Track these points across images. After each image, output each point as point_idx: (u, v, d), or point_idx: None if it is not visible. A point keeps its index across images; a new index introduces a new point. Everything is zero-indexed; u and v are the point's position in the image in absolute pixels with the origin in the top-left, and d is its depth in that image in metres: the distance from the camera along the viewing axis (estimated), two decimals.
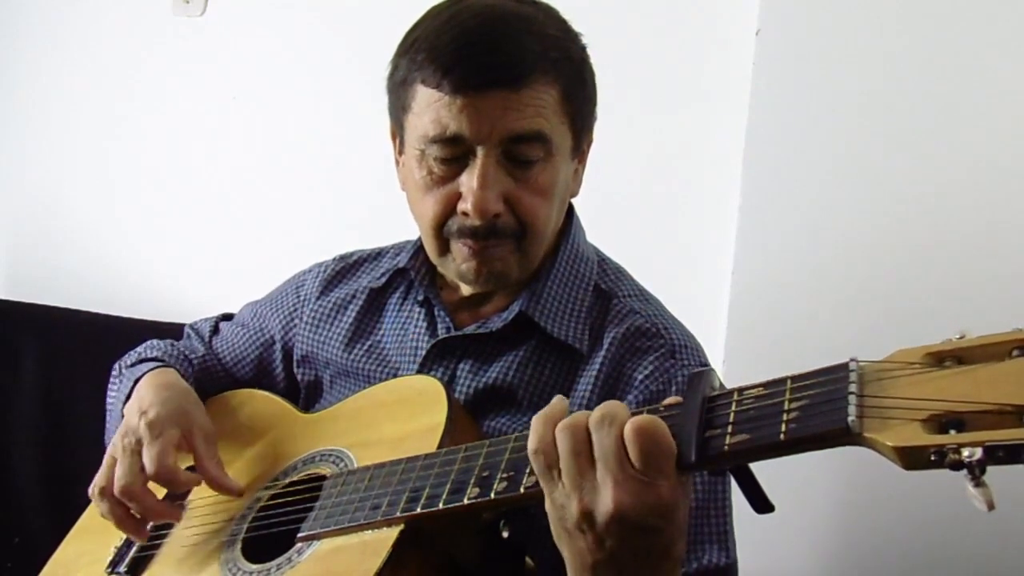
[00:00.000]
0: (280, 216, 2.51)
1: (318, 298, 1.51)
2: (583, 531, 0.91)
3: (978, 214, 1.78)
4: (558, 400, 0.98)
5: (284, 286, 1.59)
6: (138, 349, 1.58)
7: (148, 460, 1.27)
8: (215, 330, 1.62)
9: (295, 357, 1.52)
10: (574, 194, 1.38)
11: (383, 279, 1.47)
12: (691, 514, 1.18)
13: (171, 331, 1.69)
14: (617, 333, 1.30)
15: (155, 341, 1.60)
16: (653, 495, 0.88)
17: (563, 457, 0.91)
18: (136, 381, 1.44)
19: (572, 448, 0.91)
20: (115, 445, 1.33)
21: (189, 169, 2.60)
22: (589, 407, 1.22)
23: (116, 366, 1.56)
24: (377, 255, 1.53)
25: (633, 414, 0.91)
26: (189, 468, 1.34)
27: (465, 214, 1.24)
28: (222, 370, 1.58)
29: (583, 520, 0.90)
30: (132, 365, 1.52)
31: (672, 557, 0.93)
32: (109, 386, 1.55)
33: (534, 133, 1.22)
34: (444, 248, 1.29)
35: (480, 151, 1.22)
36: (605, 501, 0.88)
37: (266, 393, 1.51)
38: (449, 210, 1.26)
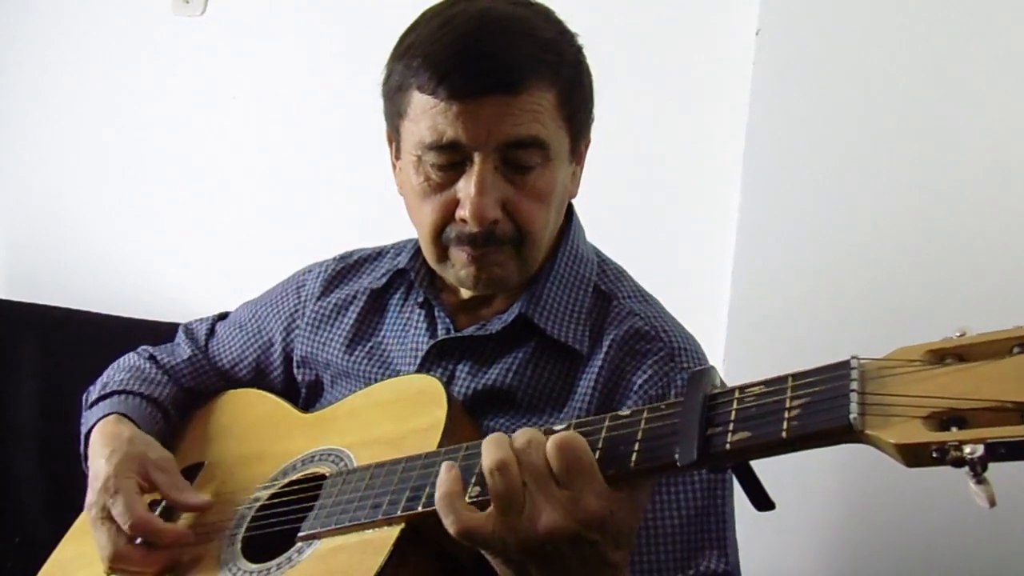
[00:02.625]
0: (280, 216, 2.51)
1: (318, 299, 1.50)
2: (525, 560, 0.94)
3: (978, 213, 1.79)
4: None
5: (284, 286, 1.58)
6: (105, 375, 1.57)
7: (120, 518, 1.27)
8: (211, 332, 1.61)
9: (295, 358, 1.51)
10: (572, 196, 1.37)
11: (383, 279, 1.46)
12: (690, 522, 1.20)
13: (170, 331, 1.68)
14: (617, 335, 1.29)
15: (127, 359, 1.59)
16: (581, 509, 0.91)
17: (508, 488, 0.94)
18: (88, 432, 1.44)
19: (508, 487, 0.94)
20: (90, 523, 1.33)
21: (189, 169, 2.60)
22: (590, 410, 1.23)
23: (85, 395, 1.55)
24: (377, 255, 1.53)
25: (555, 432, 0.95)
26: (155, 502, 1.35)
27: (463, 221, 1.23)
28: (215, 373, 1.58)
29: (523, 549, 0.93)
30: (93, 404, 1.50)
31: (610, 563, 0.95)
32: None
33: (531, 139, 1.21)
34: (443, 255, 1.29)
35: (477, 157, 1.21)
36: (542, 523, 0.91)
37: (265, 393, 1.51)
38: (447, 217, 1.25)
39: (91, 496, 1.32)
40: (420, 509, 1.05)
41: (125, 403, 1.47)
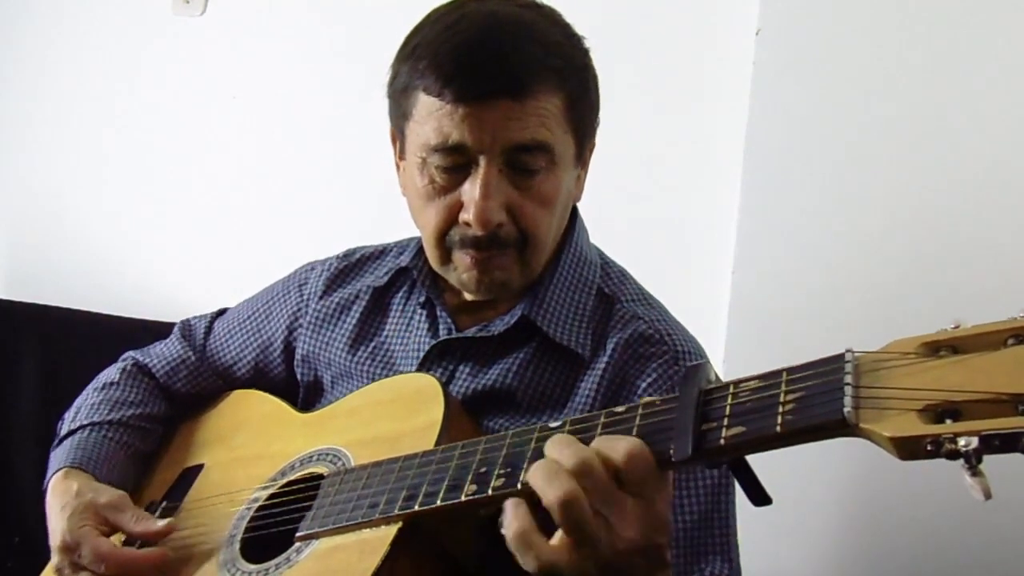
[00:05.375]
0: (280, 216, 2.51)
1: (321, 297, 1.50)
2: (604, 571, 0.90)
3: (978, 212, 1.79)
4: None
5: (284, 283, 1.57)
6: (81, 397, 1.56)
7: (94, 565, 1.28)
8: (209, 330, 1.60)
9: (296, 357, 1.51)
10: (577, 200, 1.37)
11: (385, 278, 1.46)
12: (695, 525, 1.20)
13: (170, 332, 1.68)
14: (620, 339, 1.29)
15: (107, 374, 1.58)
16: (654, 517, 0.89)
17: (581, 521, 0.88)
18: (48, 483, 1.43)
19: (582, 514, 0.88)
20: None
21: (189, 169, 2.60)
22: (590, 412, 1.22)
23: (59, 422, 1.54)
24: (380, 253, 1.52)
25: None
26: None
27: (467, 224, 1.23)
28: (213, 373, 1.58)
29: (602, 569, 0.89)
30: (61, 440, 1.49)
31: (667, 563, 0.93)
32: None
33: (537, 143, 1.21)
34: (446, 257, 1.29)
35: (482, 160, 1.21)
36: (622, 544, 0.88)
37: (263, 393, 1.51)
38: (451, 220, 1.25)
39: (55, 558, 1.32)
40: (417, 508, 1.05)
41: (85, 443, 1.45)
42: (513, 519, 0.90)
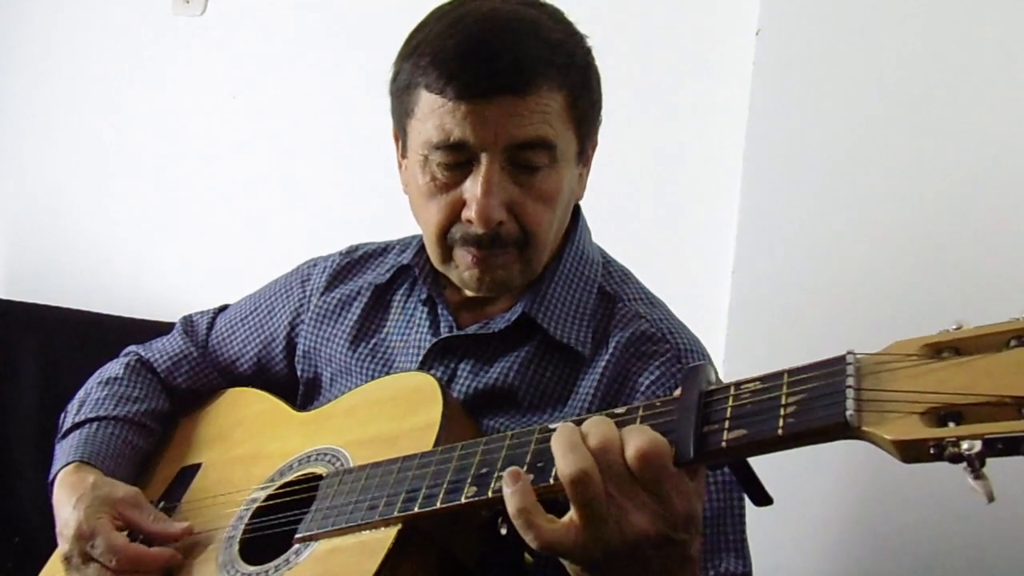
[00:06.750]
0: (280, 216, 2.51)
1: (323, 293, 1.50)
2: (609, 566, 0.90)
3: (978, 213, 1.79)
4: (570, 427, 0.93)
5: (287, 278, 1.57)
6: (83, 390, 1.56)
7: (104, 557, 1.27)
8: (211, 326, 1.60)
9: (298, 352, 1.51)
10: (578, 198, 1.37)
11: (387, 275, 1.46)
12: (708, 523, 1.19)
13: (170, 332, 1.68)
14: (622, 337, 1.29)
15: (110, 368, 1.58)
16: (670, 512, 0.88)
17: (593, 498, 0.88)
18: (55, 477, 1.42)
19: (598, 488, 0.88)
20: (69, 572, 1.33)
21: (189, 169, 2.60)
22: (590, 410, 1.23)
23: (63, 415, 1.54)
24: (383, 250, 1.53)
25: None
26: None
27: (469, 221, 1.23)
28: (214, 369, 1.58)
29: (608, 555, 0.88)
30: (66, 433, 1.49)
31: (690, 558, 0.92)
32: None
33: (539, 140, 1.21)
34: (447, 255, 1.28)
35: (484, 158, 1.21)
36: (630, 530, 0.87)
37: (261, 392, 1.51)
38: (453, 217, 1.25)
39: (65, 545, 1.31)
40: (416, 510, 1.04)
41: (94, 438, 1.45)
42: (513, 496, 0.90)
